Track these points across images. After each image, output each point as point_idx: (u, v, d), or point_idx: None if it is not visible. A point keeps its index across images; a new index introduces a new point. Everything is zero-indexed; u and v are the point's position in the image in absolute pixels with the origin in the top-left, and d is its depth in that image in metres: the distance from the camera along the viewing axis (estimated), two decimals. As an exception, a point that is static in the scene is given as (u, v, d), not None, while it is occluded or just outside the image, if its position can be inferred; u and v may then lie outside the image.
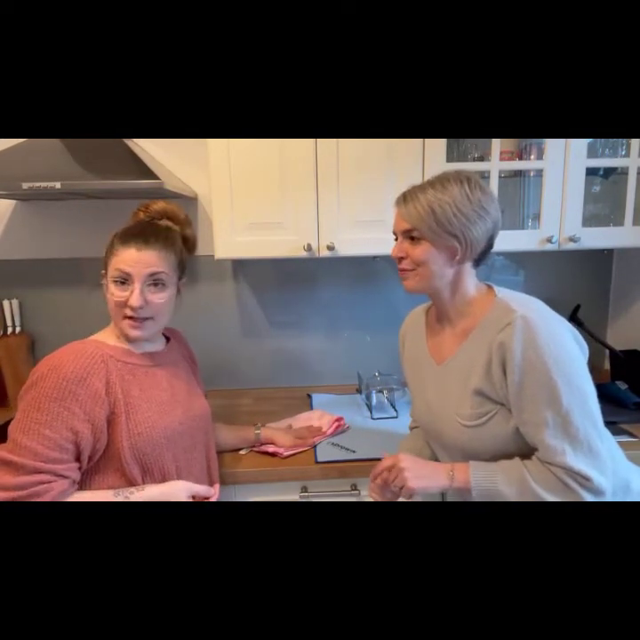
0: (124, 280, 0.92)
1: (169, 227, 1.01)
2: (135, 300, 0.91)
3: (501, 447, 0.87)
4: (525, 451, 0.85)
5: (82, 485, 0.90)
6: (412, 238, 0.89)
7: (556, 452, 0.80)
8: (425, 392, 1.00)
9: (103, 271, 0.97)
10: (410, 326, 1.10)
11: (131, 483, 0.91)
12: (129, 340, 0.97)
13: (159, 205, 1.02)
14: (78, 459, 0.87)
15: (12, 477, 0.81)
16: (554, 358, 0.79)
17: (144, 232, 0.95)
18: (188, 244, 1.05)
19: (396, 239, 0.94)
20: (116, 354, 0.94)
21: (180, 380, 1.04)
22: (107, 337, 0.98)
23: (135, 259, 0.91)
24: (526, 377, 0.80)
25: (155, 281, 0.94)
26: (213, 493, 1.00)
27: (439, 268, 0.89)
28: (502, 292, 0.91)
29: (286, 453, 1.24)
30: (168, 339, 1.10)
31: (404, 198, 0.90)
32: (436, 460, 1.04)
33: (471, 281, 0.92)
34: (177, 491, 0.92)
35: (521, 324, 0.81)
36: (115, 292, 0.92)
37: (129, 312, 0.92)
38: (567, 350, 0.82)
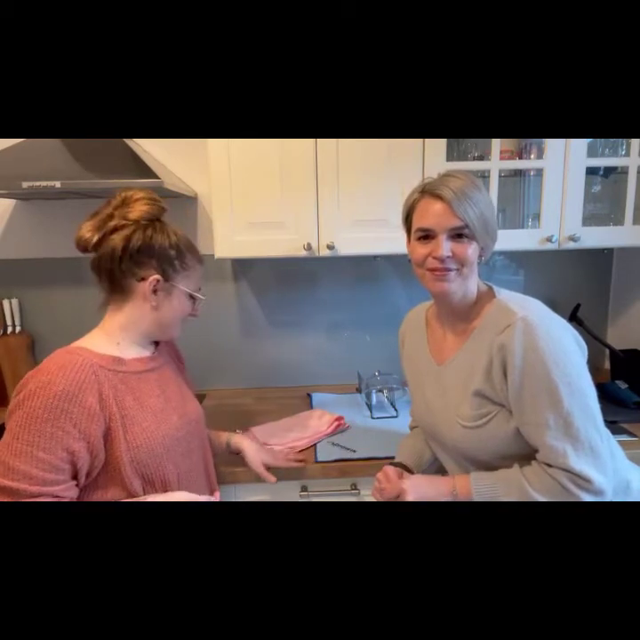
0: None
1: None
2: None
3: (501, 448, 0.87)
4: (525, 452, 0.85)
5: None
6: (460, 236, 0.84)
7: (558, 454, 0.80)
8: (424, 392, 1.00)
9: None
10: (410, 325, 1.10)
11: (131, 495, 0.88)
12: None
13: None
14: (75, 476, 0.83)
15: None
16: (554, 360, 0.79)
17: None
18: None
19: (425, 237, 0.86)
20: (106, 363, 0.89)
21: (172, 383, 1.02)
22: (94, 343, 0.91)
23: None
24: (527, 379, 0.80)
25: None
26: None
27: (474, 268, 0.88)
28: (502, 293, 0.91)
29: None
30: (156, 343, 1.05)
31: (455, 194, 0.82)
32: (437, 460, 1.05)
33: (476, 281, 0.92)
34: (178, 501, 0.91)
35: (521, 327, 0.81)
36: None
37: None
38: (567, 352, 0.81)
